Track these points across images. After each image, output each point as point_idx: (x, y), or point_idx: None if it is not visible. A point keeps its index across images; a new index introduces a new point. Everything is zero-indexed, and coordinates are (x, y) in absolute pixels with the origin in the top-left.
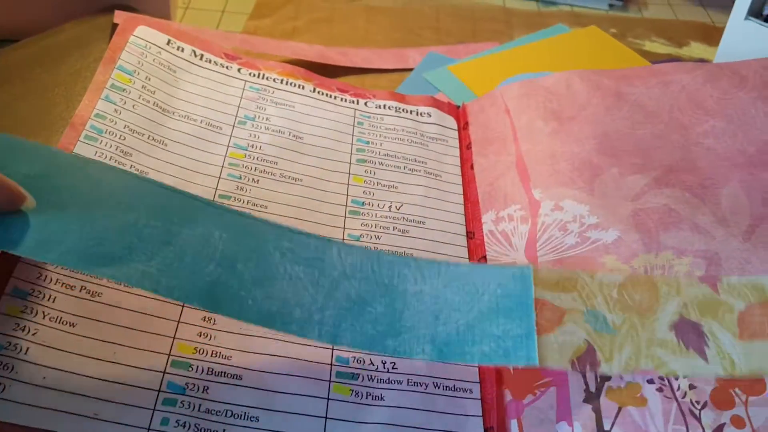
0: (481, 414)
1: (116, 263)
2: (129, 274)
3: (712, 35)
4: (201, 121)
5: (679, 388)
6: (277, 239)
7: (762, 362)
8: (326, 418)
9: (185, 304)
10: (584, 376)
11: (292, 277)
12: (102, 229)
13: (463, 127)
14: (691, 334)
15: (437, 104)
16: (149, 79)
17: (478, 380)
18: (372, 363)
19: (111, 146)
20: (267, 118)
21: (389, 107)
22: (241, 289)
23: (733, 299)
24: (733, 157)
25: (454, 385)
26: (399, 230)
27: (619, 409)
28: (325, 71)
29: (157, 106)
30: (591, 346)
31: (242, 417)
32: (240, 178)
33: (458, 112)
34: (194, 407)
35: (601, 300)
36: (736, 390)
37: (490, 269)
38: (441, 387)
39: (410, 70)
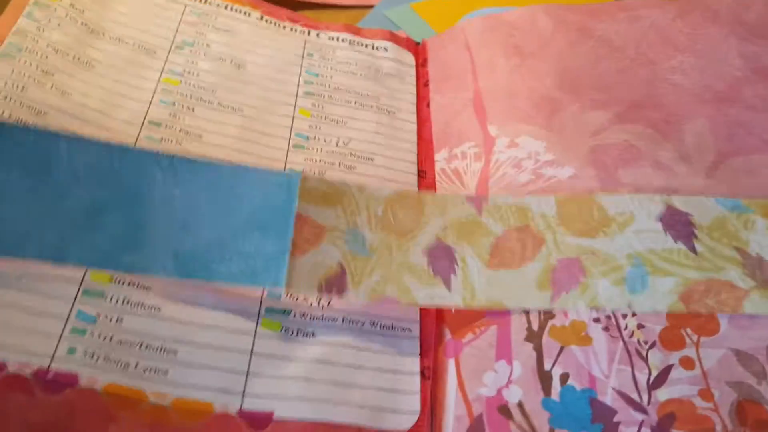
0: (418, 353)
1: None
2: None
3: None
4: (133, 44)
5: (626, 327)
6: None
7: (501, 292)
8: (252, 353)
9: None
10: (527, 315)
11: None
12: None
13: (421, 64)
14: (443, 260)
15: (395, 39)
16: None
17: (418, 319)
18: (306, 300)
19: (30, 64)
20: (207, 45)
21: (343, 39)
22: None
23: (494, 222)
24: (700, 93)
25: (392, 324)
26: (345, 166)
27: (562, 348)
28: (281, 5)
29: (85, 26)
30: (343, 269)
31: (158, 350)
32: (173, 104)
33: (417, 49)
34: (105, 338)
35: (365, 218)
36: (687, 330)
37: (255, 173)
38: (378, 326)
39: (371, 7)
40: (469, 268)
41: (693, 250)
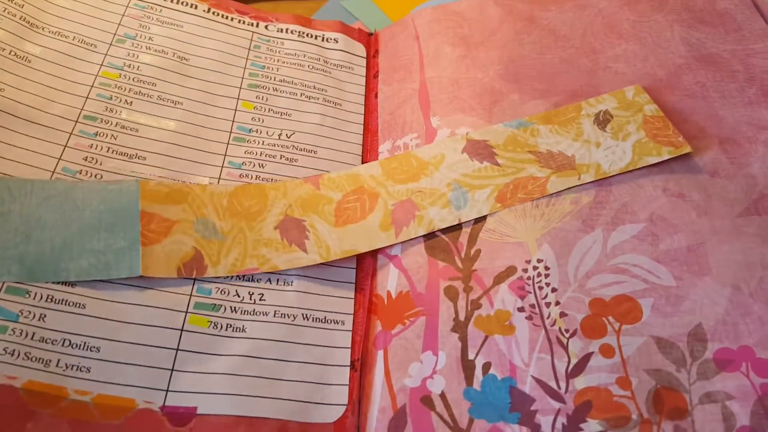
0: (349, 346)
1: None
2: None
3: None
4: (73, 38)
5: (549, 316)
6: None
7: (353, 243)
8: (177, 349)
9: None
10: (455, 305)
11: None
12: None
13: (372, 55)
14: (293, 230)
15: (346, 30)
16: None
17: (351, 311)
18: (238, 294)
19: None
20: (150, 38)
21: (292, 31)
22: None
23: (332, 192)
24: (640, 81)
25: (325, 317)
26: (286, 159)
27: (486, 337)
28: None
29: (24, 20)
30: (199, 252)
31: (81, 347)
32: (110, 98)
33: (369, 40)
34: (27, 335)
35: (212, 209)
36: (610, 318)
37: (92, 185)
38: (311, 319)
39: None
40: (319, 232)
41: (496, 164)
